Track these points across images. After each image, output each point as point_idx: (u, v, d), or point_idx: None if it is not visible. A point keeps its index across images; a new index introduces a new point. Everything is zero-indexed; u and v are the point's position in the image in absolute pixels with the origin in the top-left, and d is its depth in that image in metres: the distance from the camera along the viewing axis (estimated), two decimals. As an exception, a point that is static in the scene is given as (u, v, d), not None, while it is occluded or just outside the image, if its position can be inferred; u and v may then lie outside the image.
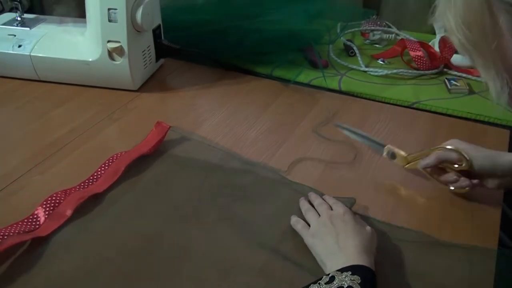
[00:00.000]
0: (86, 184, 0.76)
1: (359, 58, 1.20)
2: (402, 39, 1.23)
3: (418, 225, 0.71)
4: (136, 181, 0.78)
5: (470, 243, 0.67)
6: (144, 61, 1.08)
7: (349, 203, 0.70)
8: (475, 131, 0.93)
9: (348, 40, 1.28)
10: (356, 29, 1.34)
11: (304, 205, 0.71)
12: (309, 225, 0.67)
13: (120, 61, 1.01)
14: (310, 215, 0.68)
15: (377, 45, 1.30)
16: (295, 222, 0.68)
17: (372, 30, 1.30)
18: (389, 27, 1.32)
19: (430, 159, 0.74)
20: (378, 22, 1.31)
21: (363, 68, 1.16)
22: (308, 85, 1.11)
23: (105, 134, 0.93)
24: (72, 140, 0.90)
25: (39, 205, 0.70)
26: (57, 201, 0.71)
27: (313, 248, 0.63)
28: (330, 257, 0.60)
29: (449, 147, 0.72)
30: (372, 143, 0.81)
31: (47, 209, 0.70)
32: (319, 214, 0.68)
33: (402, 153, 0.77)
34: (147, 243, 0.66)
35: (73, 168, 0.83)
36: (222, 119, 0.97)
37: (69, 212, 0.69)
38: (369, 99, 1.05)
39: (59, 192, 0.72)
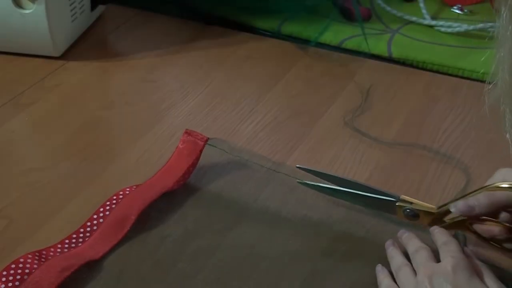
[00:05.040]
0: (74, 241, 0.64)
1: (421, 5, 1.04)
2: (493, -27, 1.06)
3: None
4: (155, 240, 0.66)
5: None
6: (73, 10, 0.94)
7: (460, 241, 0.62)
8: None
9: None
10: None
11: (394, 256, 0.62)
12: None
13: (32, 8, 0.89)
14: (402, 275, 0.59)
15: (451, -16, 1.15)
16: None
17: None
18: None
19: (478, 201, 0.63)
20: None
21: (428, 21, 1.01)
22: (338, 48, 0.98)
23: (6, 130, 0.81)
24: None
25: None
26: (26, 270, 0.60)
27: None
28: None
29: (505, 185, 0.62)
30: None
31: (9, 284, 0.59)
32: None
33: (428, 205, 0.66)
34: None
35: None
36: (200, 104, 0.86)
37: None
38: (437, 71, 0.92)
39: (30, 255, 0.61)
